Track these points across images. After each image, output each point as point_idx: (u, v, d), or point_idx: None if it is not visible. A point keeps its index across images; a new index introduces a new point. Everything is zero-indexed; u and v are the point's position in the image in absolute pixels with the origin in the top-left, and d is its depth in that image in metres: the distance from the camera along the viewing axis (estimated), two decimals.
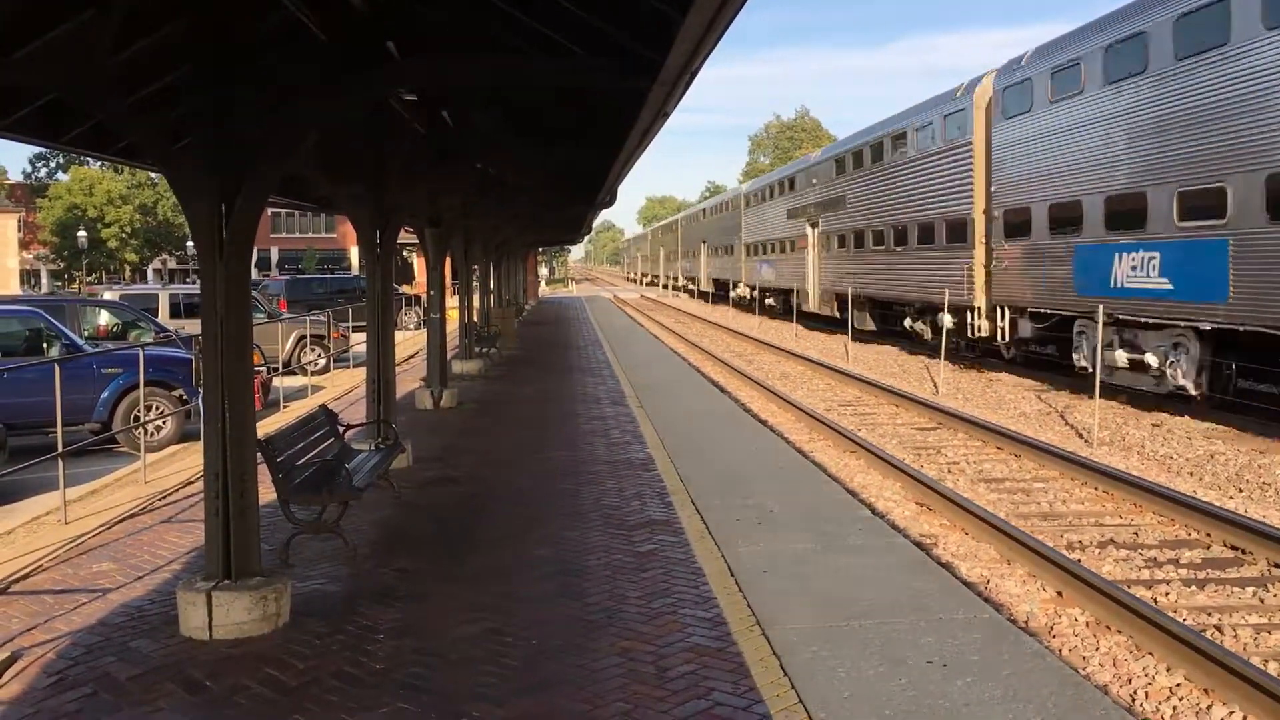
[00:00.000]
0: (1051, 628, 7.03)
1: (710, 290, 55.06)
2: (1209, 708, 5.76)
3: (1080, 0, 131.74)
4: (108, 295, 21.60)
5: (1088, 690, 4.83)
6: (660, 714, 4.58)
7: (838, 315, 30.24)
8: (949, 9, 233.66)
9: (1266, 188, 12.94)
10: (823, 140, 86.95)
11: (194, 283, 30.14)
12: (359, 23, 7.23)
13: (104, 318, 16.69)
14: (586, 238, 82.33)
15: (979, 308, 21.12)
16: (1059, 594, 7.60)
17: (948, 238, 22.48)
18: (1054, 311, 18.02)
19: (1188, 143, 14.40)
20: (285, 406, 15.33)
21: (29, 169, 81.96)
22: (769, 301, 41.55)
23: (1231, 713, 5.67)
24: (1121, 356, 16.15)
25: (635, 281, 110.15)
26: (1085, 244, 16.95)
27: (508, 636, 5.56)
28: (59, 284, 64.05)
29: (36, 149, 74.85)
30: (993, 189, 20.26)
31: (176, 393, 13.05)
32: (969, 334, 21.70)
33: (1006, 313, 20.12)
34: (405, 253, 54.36)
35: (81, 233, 57.70)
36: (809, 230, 33.70)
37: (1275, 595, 7.53)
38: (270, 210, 42.81)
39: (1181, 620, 6.84)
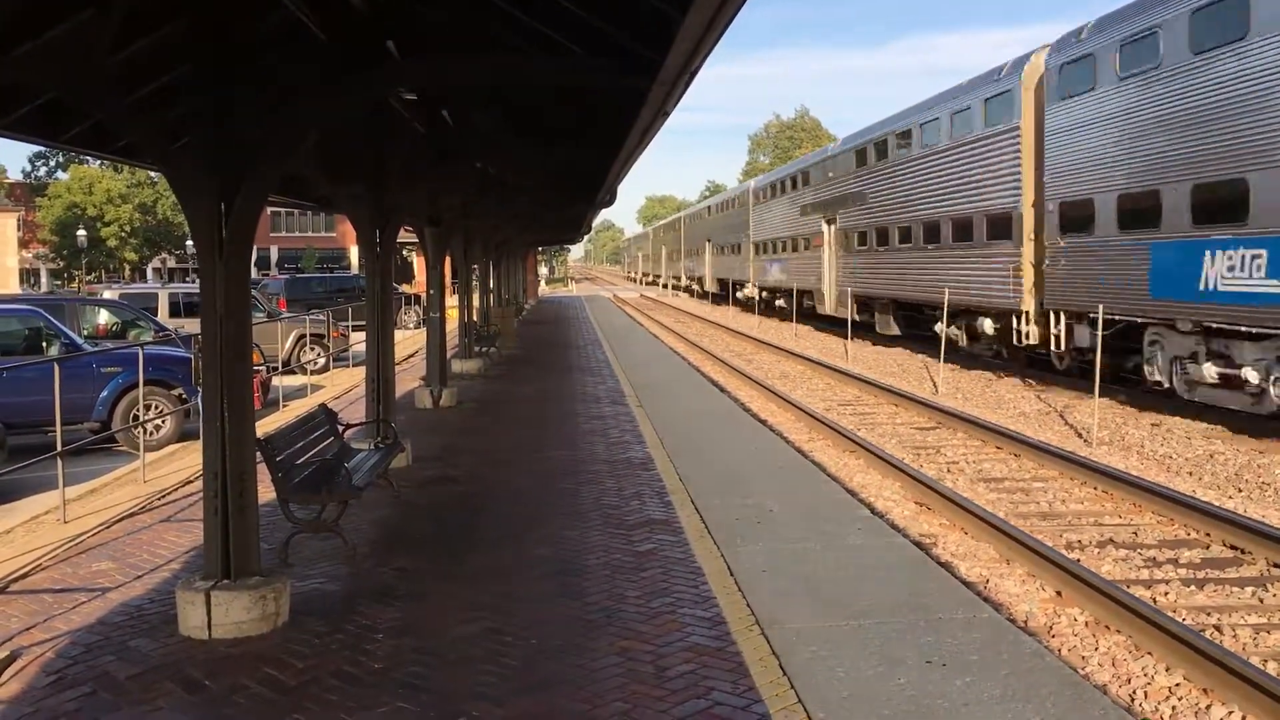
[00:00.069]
0: (1051, 627, 7.03)
1: (715, 290, 53.00)
2: (1208, 707, 5.76)
3: (1080, 0, 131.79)
4: (107, 294, 21.61)
5: (1087, 690, 4.83)
6: (659, 713, 4.58)
7: (857, 318, 28.10)
8: (949, 9, 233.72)
9: None
10: (822, 140, 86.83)
11: (193, 282, 30.14)
12: (359, 22, 7.23)
13: (103, 317, 16.69)
14: (586, 237, 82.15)
15: (1027, 312, 18.74)
16: (1058, 594, 7.60)
17: (989, 234, 20.16)
18: (1123, 317, 15.60)
19: None
20: (285, 406, 15.33)
21: (28, 168, 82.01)
22: (779, 303, 38.67)
23: (1231, 712, 5.67)
24: (1210, 371, 13.95)
25: (635, 281, 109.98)
26: (1166, 240, 14.66)
27: (507, 636, 5.56)
28: (58, 283, 64.04)
29: (36, 148, 74.84)
30: (1045, 179, 17.88)
31: (176, 392, 13.05)
32: (1015, 341, 19.36)
33: (1061, 318, 17.70)
34: (405, 252, 54.39)
35: (81, 232, 57.69)
36: (825, 227, 31.34)
37: (1274, 595, 7.54)
38: (270, 209, 42.84)
39: (1181, 620, 6.84)
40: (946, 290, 21.52)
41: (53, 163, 76.49)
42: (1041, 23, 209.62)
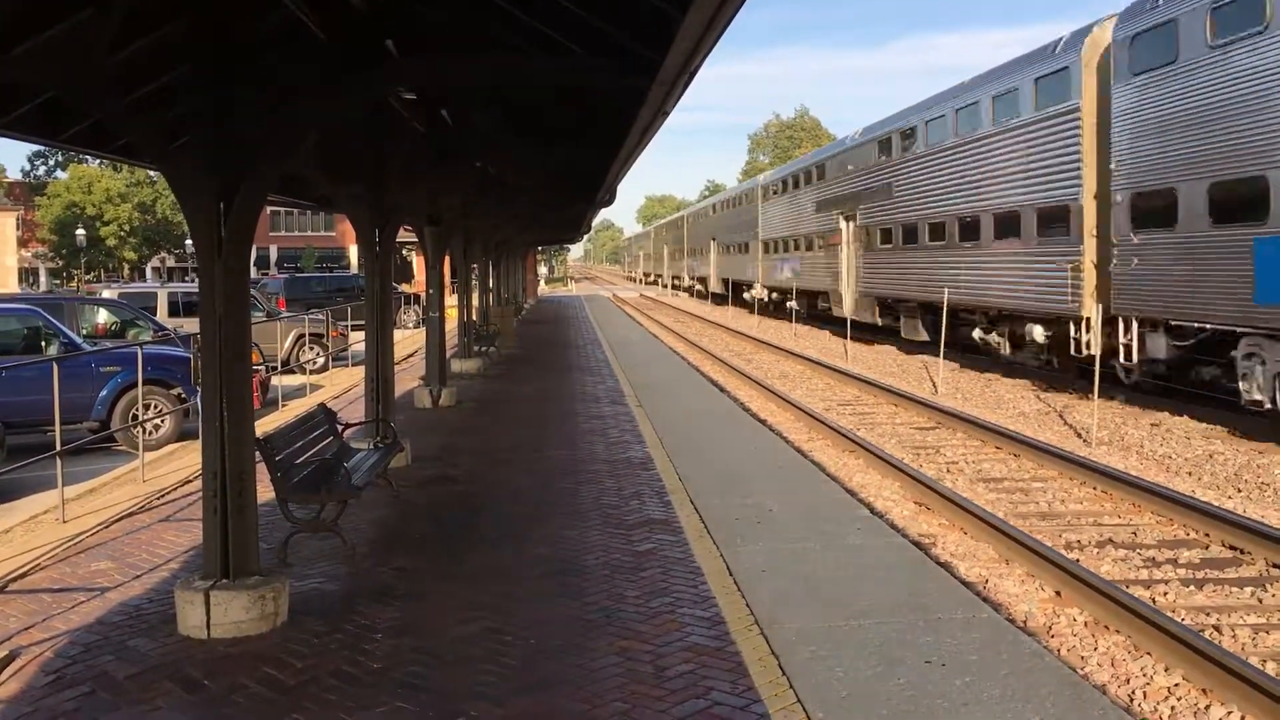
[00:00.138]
0: (1050, 627, 7.03)
1: (720, 291, 50.12)
2: (1207, 708, 5.76)
3: (1081, 0, 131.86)
4: (106, 293, 21.61)
5: (1086, 690, 4.83)
6: (658, 713, 4.58)
7: (879, 322, 26.05)
8: (949, 9, 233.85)
9: None
10: (822, 139, 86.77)
11: (193, 281, 30.14)
12: (358, 22, 7.23)
13: (102, 316, 16.68)
14: (586, 237, 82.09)
15: (1088, 318, 16.42)
16: (1057, 594, 7.60)
17: (1040, 230, 17.91)
18: (1218, 326, 13.61)
19: None
20: (284, 405, 15.33)
21: (28, 167, 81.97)
22: (791, 305, 35.99)
23: (1230, 712, 5.67)
24: None
25: (635, 281, 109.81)
26: (1278, 235, 12.48)
27: (506, 636, 5.56)
28: (57, 282, 64.01)
29: (35, 147, 74.80)
30: (1113, 167, 15.71)
31: (175, 391, 13.05)
32: (1072, 351, 17.08)
33: (1133, 326, 15.36)
34: (404, 251, 54.39)
35: (80, 231, 57.67)
36: (843, 224, 29.07)
37: (1273, 595, 7.54)
38: (269, 209, 42.86)
39: (1180, 620, 6.84)
40: (988, 293, 19.87)
41: (52, 162, 76.50)
42: (1042, 22, 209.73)
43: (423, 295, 20.85)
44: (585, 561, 6.92)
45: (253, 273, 29.00)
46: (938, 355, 20.41)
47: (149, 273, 68.98)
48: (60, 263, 65.21)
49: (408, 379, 16.62)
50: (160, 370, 12.85)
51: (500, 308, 28.54)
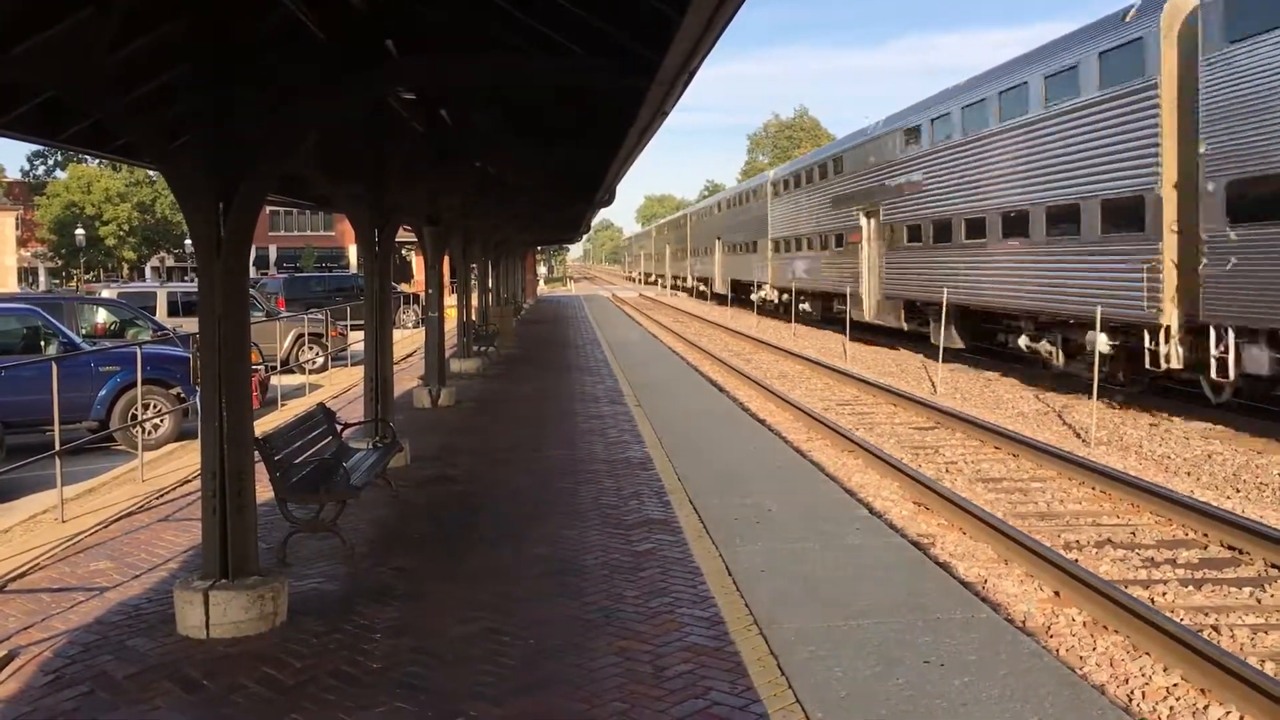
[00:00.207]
0: (1049, 627, 7.03)
1: (725, 292, 48.17)
2: (1206, 708, 5.76)
3: (1081, 1, 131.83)
4: (106, 293, 21.61)
5: (1085, 690, 4.84)
6: (657, 713, 4.58)
7: (904, 326, 23.93)
8: (949, 8, 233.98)
9: None
10: (821, 139, 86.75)
11: (192, 281, 30.13)
12: (358, 22, 7.23)
13: (102, 316, 16.67)
14: (585, 237, 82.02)
15: (1167, 326, 14.54)
16: (1056, 594, 7.60)
17: (1106, 225, 15.88)
18: None
19: None
20: (283, 405, 15.32)
21: (27, 166, 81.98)
22: (804, 307, 34.45)
23: (1228, 712, 5.68)
24: None
25: (635, 281, 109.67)
26: None
27: (505, 636, 5.56)
28: (57, 282, 64.00)
29: (34, 146, 74.81)
30: (1202, 151, 13.75)
31: (174, 391, 13.05)
32: (1147, 363, 15.06)
33: (1229, 335, 13.40)
34: (403, 251, 54.37)
35: (79, 230, 57.66)
36: (864, 221, 27.21)
37: (1272, 595, 7.54)
38: (268, 208, 42.82)
39: (1179, 620, 6.85)
40: (1038, 297, 17.87)
41: (51, 161, 76.49)
42: (1042, 22, 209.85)
43: (422, 295, 20.85)
44: (584, 561, 6.93)
45: (252, 272, 28.96)
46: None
47: (148, 272, 68.98)
48: (59, 262, 65.21)
49: (407, 379, 16.63)
50: (159, 370, 12.85)
51: (499, 307, 28.55)
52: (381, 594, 6.32)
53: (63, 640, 5.61)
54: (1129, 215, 15.39)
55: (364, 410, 10.88)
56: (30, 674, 5.15)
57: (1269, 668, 6.22)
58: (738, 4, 4.88)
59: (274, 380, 16.33)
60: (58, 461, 8.72)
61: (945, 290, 21.22)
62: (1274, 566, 8.11)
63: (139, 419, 12.24)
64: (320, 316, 21.64)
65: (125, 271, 66.46)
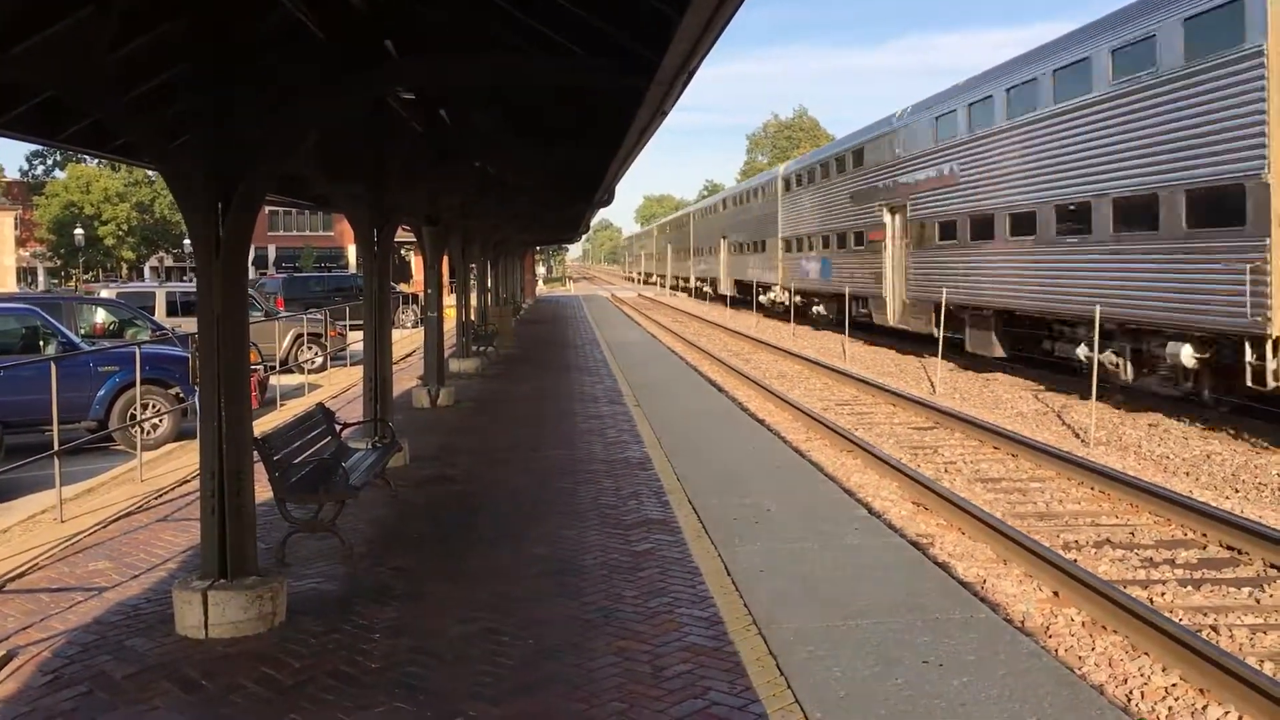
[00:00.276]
0: (1048, 627, 7.04)
1: (731, 293, 46.51)
2: (1204, 708, 5.77)
3: (1081, 1, 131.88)
4: (105, 293, 21.62)
5: (1084, 690, 4.84)
6: (656, 713, 4.58)
7: (935, 332, 21.33)
8: (949, 8, 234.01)
9: None
10: (821, 139, 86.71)
11: (191, 281, 30.13)
12: (358, 22, 7.23)
13: (101, 316, 16.67)
14: (584, 237, 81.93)
15: (1277, 338, 12.56)
16: (1055, 594, 7.61)
17: (1193, 217, 13.85)
18: None
19: None
20: (282, 405, 15.32)
21: (26, 166, 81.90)
22: (819, 309, 32.67)
23: (1227, 713, 5.68)
24: None
25: (634, 281, 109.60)
26: None
27: (504, 636, 5.56)
28: (56, 282, 63.96)
29: (34, 146, 74.79)
30: None
31: (173, 391, 13.04)
32: (1249, 380, 13.08)
33: None
34: (403, 251, 54.37)
35: (78, 230, 57.64)
36: (888, 218, 25.38)
37: (1271, 595, 7.55)
38: (267, 208, 42.80)
39: (1177, 620, 6.85)
40: (1104, 300, 15.60)
41: (50, 161, 76.44)
42: (1042, 22, 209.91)
43: (421, 295, 20.86)
44: (583, 561, 6.92)
45: (251, 272, 29.00)
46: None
47: (147, 272, 68.96)
48: (58, 262, 65.19)
49: (406, 379, 16.63)
50: (158, 370, 12.84)
51: (498, 307, 28.55)
52: (380, 594, 6.32)
53: (61, 640, 5.61)
54: (1224, 207, 13.33)
55: (363, 410, 10.88)
56: (29, 674, 5.15)
57: (1268, 668, 6.22)
58: (737, 4, 4.89)
59: (273, 380, 16.33)
60: (56, 461, 8.71)
61: (985, 292, 19.60)
62: (1273, 567, 8.11)
63: (138, 419, 12.23)
64: (319, 316, 21.64)
65: (124, 271, 66.45)
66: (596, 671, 5.05)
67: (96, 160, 55.00)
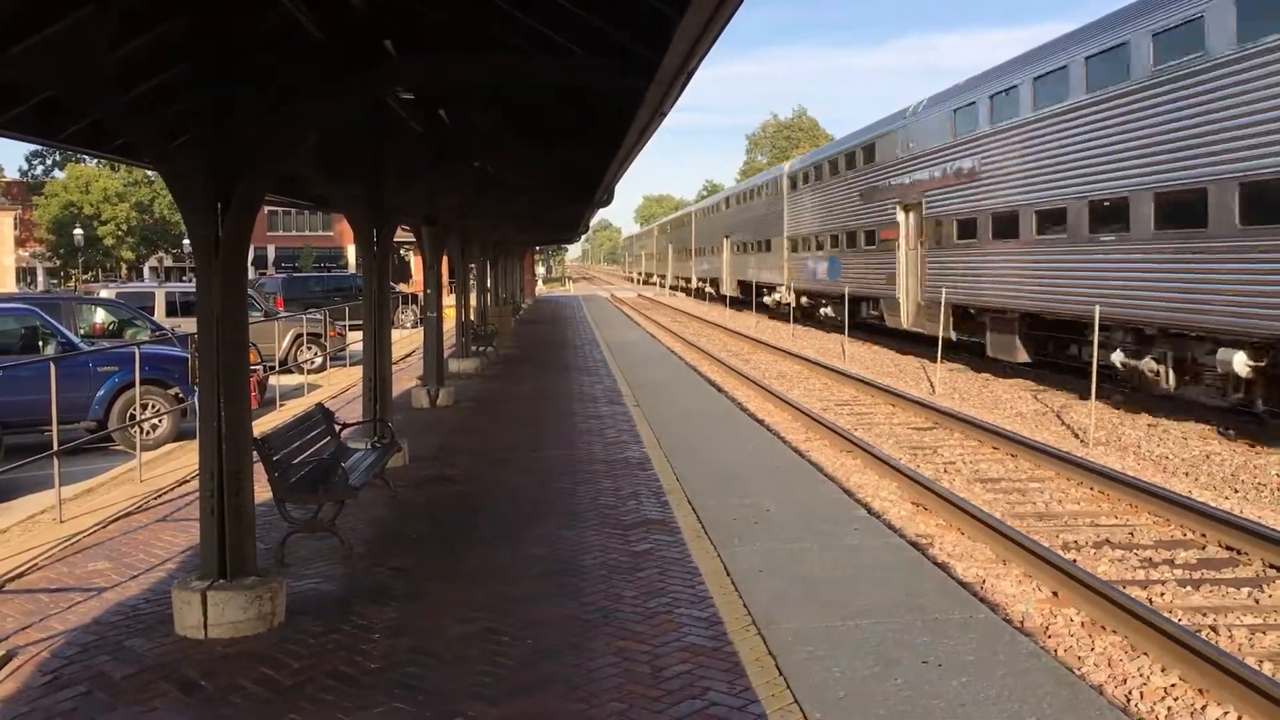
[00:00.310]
0: (1047, 628, 7.04)
1: (734, 294, 45.37)
2: (1204, 708, 5.77)
3: (1081, 0, 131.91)
4: (104, 293, 21.61)
5: (1083, 690, 4.84)
6: (655, 714, 4.58)
7: (953, 336, 20.78)
8: (949, 8, 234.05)
9: None
10: (820, 139, 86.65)
11: (190, 281, 30.12)
12: (357, 22, 7.22)
13: (100, 316, 16.67)
14: (584, 237, 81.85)
15: None
16: (1055, 594, 7.61)
17: (1248, 213, 12.84)
18: None
19: None
20: (281, 405, 15.32)
21: (25, 166, 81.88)
22: (826, 311, 31.72)
23: (1226, 713, 5.68)
24: None
25: (633, 281, 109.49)
26: None
27: (503, 636, 5.56)
28: (55, 282, 63.95)
29: (33, 146, 74.77)
30: None
31: (173, 391, 13.04)
32: None
33: None
34: (402, 251, 54.38)
35: (78, 230, 57.63)
36: (901, 215, 24.42)
37: (1270, 596, 7.55)
38: (267, 208, 42.80)
39: (1177, 620, 6.86)
40: (1145, 303, 14.81)
41: (49, 161, 76.42)
42: (1041, 22, 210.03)
43: (420, 295, 20.86)
44: (582, 561, 6.92)
45: (250, 272, 28.97)
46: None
47: (146, 272, 68.95)
48: (58, 262, 65.17)
49: (405, 379, 16.63)
50: (158, 370, 12.84)
51: (498, 308, 28.55)
52: (379, 594, 6.32)
53: (60, 641, 5.61)
54: None
55: (362, 410, 10.88)
56: (28, 674, 5.15)
57: (1267, 668, 6.22)
58: (737, 4, 4.89)
59: (272, 380, 16.32)
60: (56, 462, 8.71)
61: (1009, 294, 18.59)
62: (1272, 567, 8.11)
63: (137, 419, 12.23)
64: (319, 316, 21.64)
65: (123, 271, 66.43)
66: (595, 672, 5.05)
67: (96, 160, 55.00)
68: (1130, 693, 6.03)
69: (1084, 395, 15.54)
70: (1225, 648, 6.42)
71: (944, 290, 20.47)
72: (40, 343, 12.80)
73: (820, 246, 31.59)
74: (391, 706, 4.70)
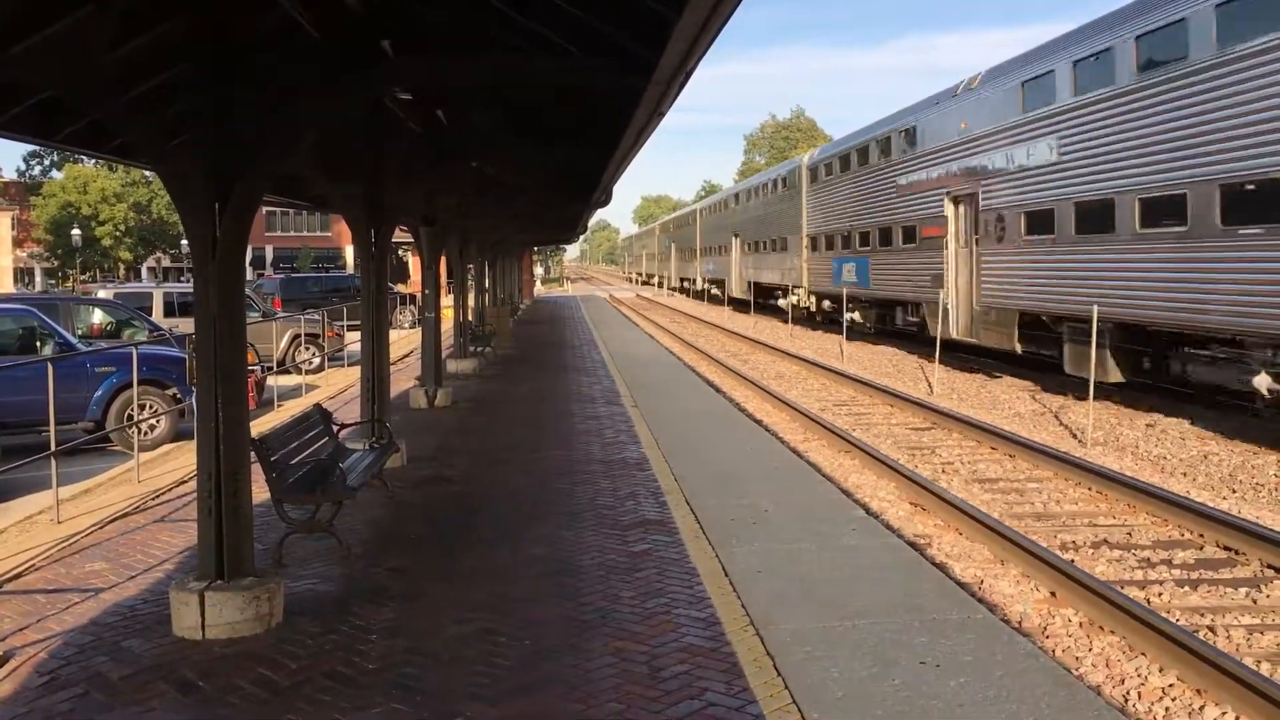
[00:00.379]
0: (1045, 628, 7.04)
1: (744, 296, 42.83)
2: (1202, 708, 5.77)
3: (1080, 1, 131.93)
4: (102, 293, 21.58)
5: (1081, 691, 4.84)
6: (653, 714, 4.58)
7: (1018, 348, 18.51)
8: (949, 8, 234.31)
9: None
10: (819, 139, 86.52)
11: (188, 281, 30.10)
12: (355, 22, 7.22)
13: (98, 316, 16.66)
14: (582, 237, 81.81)
15: None
16: (1053, 594, 7.61)
17: None
18: None
19: None
20: (279, 405, 15.31)
21: (23, 166, 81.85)
22: (854, 317, 28.19)
23: (1224, 713, 5.69)
24: None
25: (632, 281, 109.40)
26: None
27: (501, 636, 5.56)
28: (53, 282, 63.90)
29: (31, 146, 74.68)
30: None
31: (170, 391, 13.04)
32: None
33: None
34: (400, 251, 54.37)
35: (76, 231, 57.57)
36: (949, 209, 21.26)
37: (1268, 596, 7.56)
38: (265, 209, 42.80)
39: (1175, 621, 6.86)
40: None
41: (47, 161, 76.37)
42: (1041, 22, 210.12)
43: (418, 295, 20.85)
44: (581, 562, 6.92)
45: (248, 273, 28.98)
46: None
47: (144, 273, 68.89)
48: (56, 263, 65.11)
49: (403, 379, 16.62)
50: (155, 370, 12.83)
51: (496, 308, 28.54)
52: (377, 595, 6.32)
53: (58, 641, 5.60)
54: None
55: (360, 411, 10.88)
56: (25, 675, 5.14)
57: (1265, 668, 6.22)
58: (735, 3, 4.89)
59: (270, 381, 16.31)
60: (53, 462, 8.70)
61: (1103, 299, 15.23)
62: (1270, 567, 8.12)
63: (135, 419, 12.22)
64: (317, 317, 21.63)
65: (121, 272, 66.38)
66: (594, 672, 5.05)
67: (94, 160, 54.95)
68: (1128, 693, 6.03)
69: (1081, 396, 15.55)
70: (1223, 648, 6.43)
71: (1013, 295, 17.60)
72: (38, 343, 12.79)
73: (846, 245, 28.37)
74: (389, 707, 4.70)
